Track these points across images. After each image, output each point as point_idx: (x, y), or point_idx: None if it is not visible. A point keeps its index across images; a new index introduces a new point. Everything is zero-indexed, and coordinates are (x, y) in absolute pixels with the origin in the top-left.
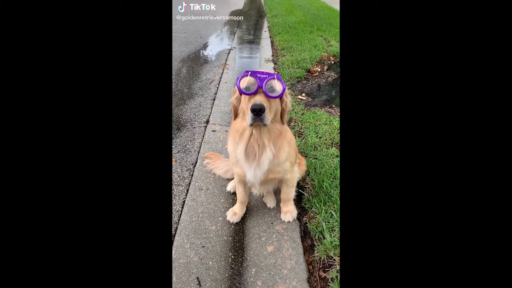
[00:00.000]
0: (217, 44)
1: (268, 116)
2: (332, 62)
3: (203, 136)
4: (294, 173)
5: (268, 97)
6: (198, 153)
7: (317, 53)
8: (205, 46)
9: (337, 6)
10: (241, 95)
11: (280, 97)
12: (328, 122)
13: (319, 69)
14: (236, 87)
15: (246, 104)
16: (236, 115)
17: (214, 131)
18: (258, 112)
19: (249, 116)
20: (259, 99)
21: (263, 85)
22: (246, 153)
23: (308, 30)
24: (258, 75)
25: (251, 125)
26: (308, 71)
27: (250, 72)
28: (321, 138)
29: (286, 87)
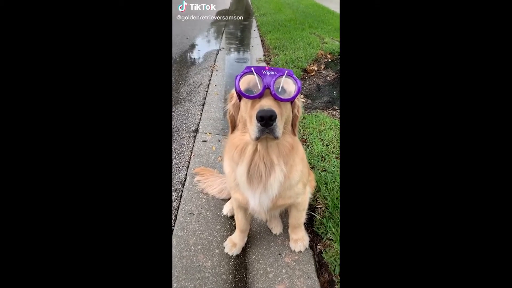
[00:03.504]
0: (204, 45)
1: (279, 126)
2: (329, 60)
3: (193, 148)
4: (306, 195)
5: (278, 100)
6: (187, 168)
7: (312, 51)
8: (191, 48)
9: (326, 4)
10: (240, 99)
11: (293, 99)
12: (333, 126)
13: (316, 68)
14: (233, 91)
15: (248, 112)
16: (234, 127)
17: (205, 141)
18: (267, 121)
19: (254, 127)
20: (267, 103)
21: (271, 84)
22: (249, 175)
23: (300, 27)
24: (264, 72)
25: (258, 138)
26: (305, 70)
27: (253, 69)
28: (328, 146)
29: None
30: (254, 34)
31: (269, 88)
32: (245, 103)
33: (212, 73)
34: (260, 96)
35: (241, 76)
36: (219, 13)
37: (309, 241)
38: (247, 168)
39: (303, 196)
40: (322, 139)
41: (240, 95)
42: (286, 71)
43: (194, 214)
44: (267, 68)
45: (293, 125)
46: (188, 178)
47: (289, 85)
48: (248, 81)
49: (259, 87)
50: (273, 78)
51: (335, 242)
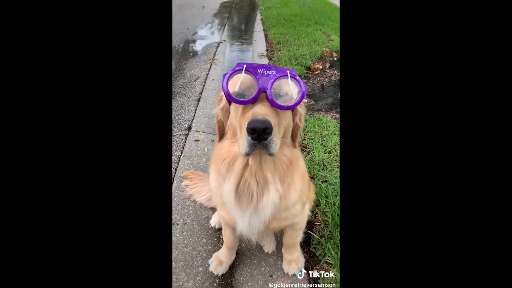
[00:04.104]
0: (204, 37)
1: (275, 140)
2: (335, 59)
3: (183, 148)
4: (305, 213)
5: (276, 107)
6: (176, 170)
7: (317, 49)
8: (191, 39)
9: (333, 0)
10: (230, 103)
11: (295, 107)
12: (337, 131)
13: (320, 67)
14: (222, 92)
15: (238, 119)
16: (222, 135)
17: (197, 140)
18: (260, 134)
19: (244, 140)
20: (262, 111)
21: (269, 87)
22: (237, 193)
23: (306, 23)
24: (260, 71)
25: (248, 154)
26: (308, 68)
27: (245, 66)
28: (330, 153)
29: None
30: (258, 28)
31: (266, 92)
32: (235, 108)
33: (211, 66)
34: (254, 101)
35: (231, 75)
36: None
37: (305, 262)
38: (235, 185)
39: (301, 215)
40: (325, 146)
41: (229, 99)
42: (289, 71)
43: (178, 224)
44: (262, 65)
45: (293, 136)
46: (175, 181)
47: (291, 89)
48: (240, 82)
49: (253, 90)
50: (272, 79)
51: (334, 268)
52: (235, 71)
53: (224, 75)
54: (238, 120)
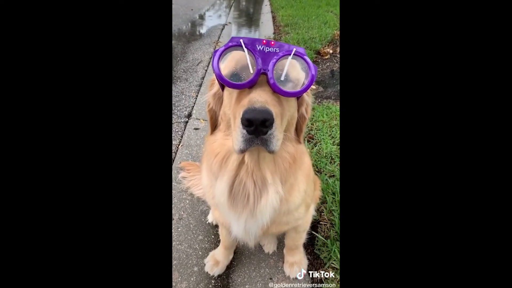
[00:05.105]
0: (209, 19)
1: (277, 135)
2: None
3: (182, 136)
4: (309, 214)
5: (278, 93)
6: (173, 161)
7: (328, 31)
8: (195, 20)
9: None
10: (223, 88)
11: (302, 94)
12: None
13: (330, 51)
14: (213, 76)
15: (232, 108)
16: (215, 126)
17: (197, 129)
18: (258, 127)
19: (238, 134)
20: (261, 97)
21: (270, 68)
22: (231, 194)
23: (316, 4)
24: (259, 47)
25: (243, 151)
26: (318, 52)
27: (242, 41)
28: (339, 145)
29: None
30: (265, 10)
31: (266, 74)
32: (229, 94)
33: (214, 49)
34: (251, 85)
35: (223, 52)
36: None
37: (308, 265)
38: (229, 185)
39: (305, 218)
40: (333, 137)
41: (222, 83)
42: (295, 49)
43: (173, 219)
44: (264, 42)
45: (297, 130)
46: (172, 172)
47: (297, 71)
48: (235, 61)
49: (251, 71)
50: (274, 58)
51: (339, 274)
52: (229, 47)
53: (215, 51)
54: (232, 109)
